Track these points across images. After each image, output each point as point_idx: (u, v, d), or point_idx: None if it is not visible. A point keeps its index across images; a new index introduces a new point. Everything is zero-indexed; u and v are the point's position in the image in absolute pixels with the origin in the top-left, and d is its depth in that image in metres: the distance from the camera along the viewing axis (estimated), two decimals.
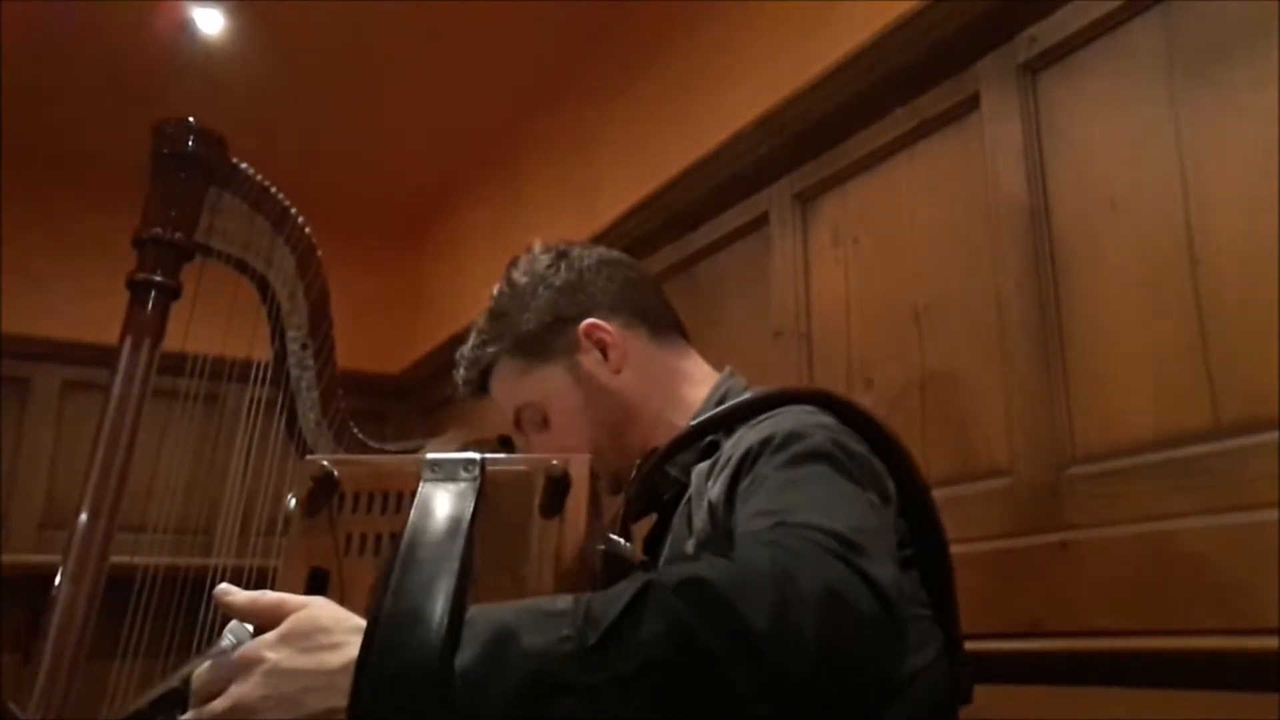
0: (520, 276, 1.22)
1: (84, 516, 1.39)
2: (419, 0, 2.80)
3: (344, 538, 0.81)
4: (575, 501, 0.80)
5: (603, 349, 1.17)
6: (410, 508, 0.76)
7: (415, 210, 4.10)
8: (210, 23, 2.94)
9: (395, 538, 0.76)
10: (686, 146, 2.34)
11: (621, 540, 0.87)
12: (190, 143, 1.52)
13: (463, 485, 0.77)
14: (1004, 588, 1.41)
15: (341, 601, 0.74)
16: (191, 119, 1.53)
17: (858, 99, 1.85)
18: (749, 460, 0.91)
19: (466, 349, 1.24)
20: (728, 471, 0.93)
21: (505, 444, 1.93)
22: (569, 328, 1.17)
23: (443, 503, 0.75)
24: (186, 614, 1.48)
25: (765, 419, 0.97)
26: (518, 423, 1.23)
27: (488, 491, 0.78)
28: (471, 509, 0.74)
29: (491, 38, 2.97)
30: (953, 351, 1.64)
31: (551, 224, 3.07)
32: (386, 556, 0.75)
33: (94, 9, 2.81)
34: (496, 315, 1.21)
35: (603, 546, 0.82)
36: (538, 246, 1.26)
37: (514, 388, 1.21)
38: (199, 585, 1.49)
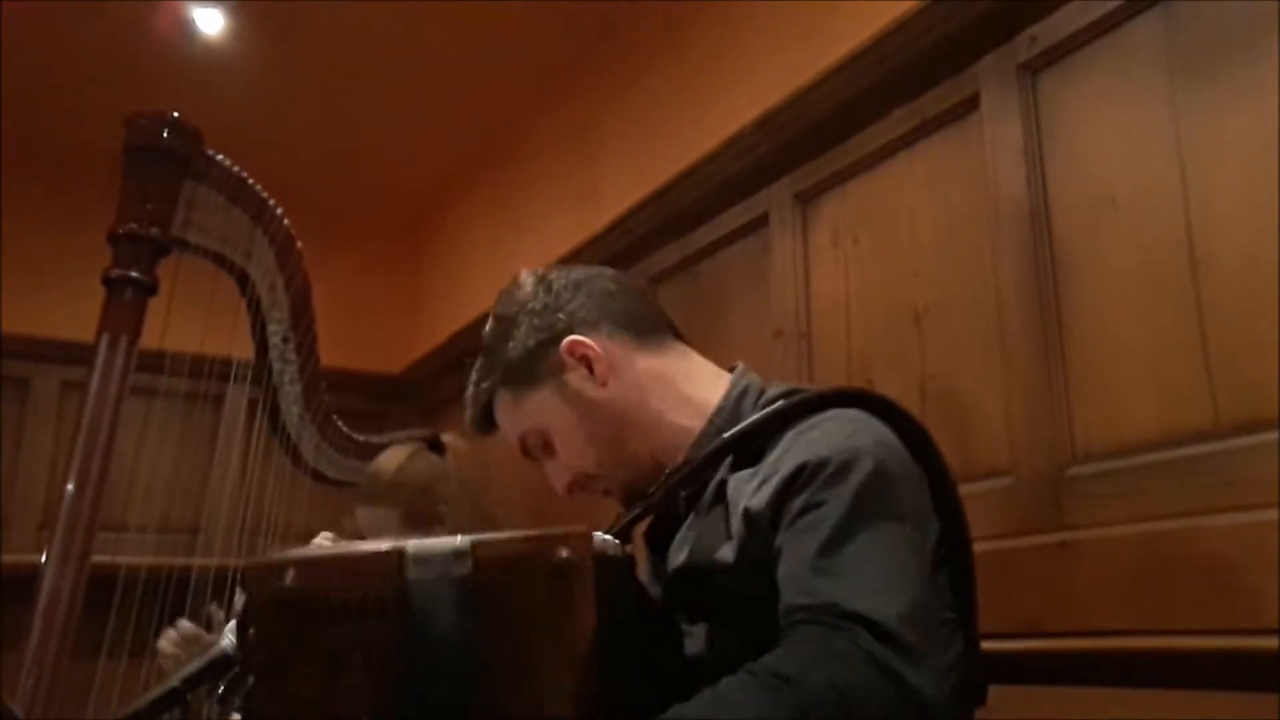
0: (505, 309, 1.23)
1: (64, 517, 1.37)
2: (419, 0, 2.80)
3: (327, 657, 0.71)
4: (581, 587, 0.74)
5: (588, 364, 1.16)
6: (395, 609, 0.70)
7: (415, 210, 4.10)
8: (210, 23, 2.94)
9: (385, 651, 0.70)
10: (686, 146, 2.34)
11: (612, 539, 0.85)
12: (164, 135, 1.49)
13: (458, 591, 0.71)
14: (1004, 588, 1.41)
15: None
16: (165, 112, 1.49)
17: (858, 99, 1.85)
18: (801, 480, 0.91)
19: (469, 391, 1.25)
20: (776, 483, 0.92)
21: (434, 446, 1.90)
22: (552, 350, 1.17)
23: (440, 624, 0.68)
24: (171, 613, 1.47)
25: (813, 426, 0.97)
26: (524, 451, 1.23)
27: (486, 587, 0.72)
28: (473, 623, 0.69)
29: (492, 37, 2.97)
30: (953, 351, 1.64)
31: (551, 224, 3.07)
32: (389, 705, 0.69)
33: (94, 9, 2.81)
34: (487, 351, 1.22)
35: (591, 548, 0.78)
36: (521, 275, 1.26)
37: (512, 418, 1.21)
38: (183, 584, 1.48)
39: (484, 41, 2.99)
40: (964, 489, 1.52)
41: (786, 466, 0.92)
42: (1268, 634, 1.10)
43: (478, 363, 1.24)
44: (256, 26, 2.97)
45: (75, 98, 3.27)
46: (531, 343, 1.18)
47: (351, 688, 0.71)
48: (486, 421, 1.24)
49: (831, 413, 0.99)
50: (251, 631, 0.73)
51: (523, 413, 1.19)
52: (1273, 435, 1.16)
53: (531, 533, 0.75)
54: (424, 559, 0.73)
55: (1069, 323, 1.44)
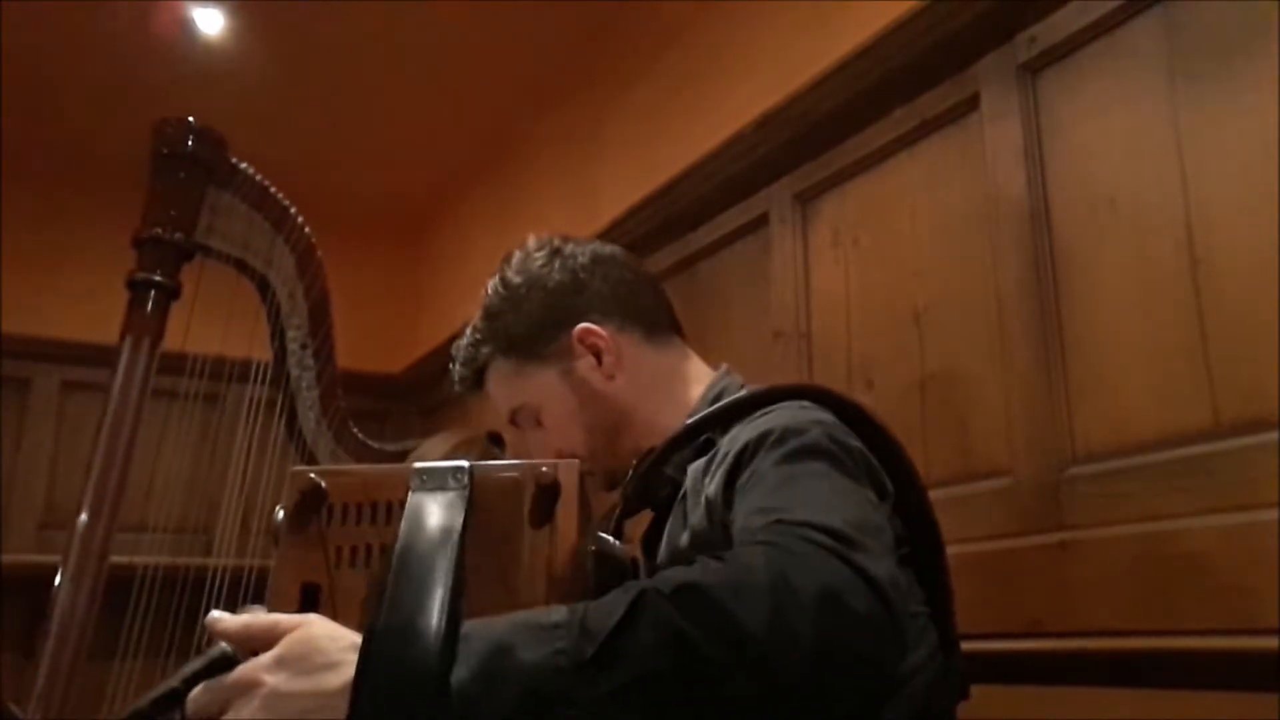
0: (514, 275, 1.20)
1: (84, 516, 1.38)
2: (419, 0, 2.80)
3: (334, 550, 0.80)
4: (565, 509, 0.79)
5: (596, 354, 1.16)
6: (400, 518, 0.75)
7: (415, 210, 4.10)
8: (210, 23, 2.94)
9: (386, 549, 0.75)
10: (686, 146, 2.34)
11: (612, 540, 0.86)
12: (190, 143, 1.52)
13: (452, 495, 0.76)
14: (1004, 588, 1.41)
15: (334, 615, 0.73)
16: (190, 119, 1.53)
17: (858, 99, 1.85)
18: (747, 455, 0.90)
19: (462, 345, 1.23)
20: (724, 467, 0.93)
21: (496, 441, 1.93)
22: (562, 332, 1.16)
23: (433, 513, 0.74)
24: (186, 614, 1.48)
25: (761, 415, 0.97)
26: (513, 421, 1.22)
27: (478, 500, 0.77)
28: (462, 519, 0.74)
29: (491, 38, 2.97)
30: (953, 351, 1.64)
31: (551, 224, 3.07)
32: (378, 571, 0.75)
33: (94, 9, 2.81)
34: (490, 315, 1.20)
35: (593, 546, 0.81)
36: (532, 242, 1.24)
37: (508, 389, 1.20)
38: (199, 585, 1.49)
39: (484, 42, 2.99)
40: (964, 489, 1.54)
41: (734, 451, 0.92)
42: (1267, 634, 1.10)
43: (474, 321, 1.22)
44: (256, 26, 2.97)
45: (75, 98, 3.27)
46: (542, 320, 1.16)
47: (352, 577, 0.79)
48: (474, 381, 1.23)
49: (783, 404, 0.99)
50: (280, 515, 0.81)
51: (521, 387, 1.18)
52: (1273, 435, 1.16)
53: (525, 461, 0.83)
54: (426, 473, 0.78)
55: (1069, 323, 1.45)
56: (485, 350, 1.20)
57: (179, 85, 3.08)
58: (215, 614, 0.76)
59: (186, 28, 2.94)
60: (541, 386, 1.17)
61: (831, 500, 0.81)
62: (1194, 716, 1.15)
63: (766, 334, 2.03)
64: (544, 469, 0.79)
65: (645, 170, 2.51)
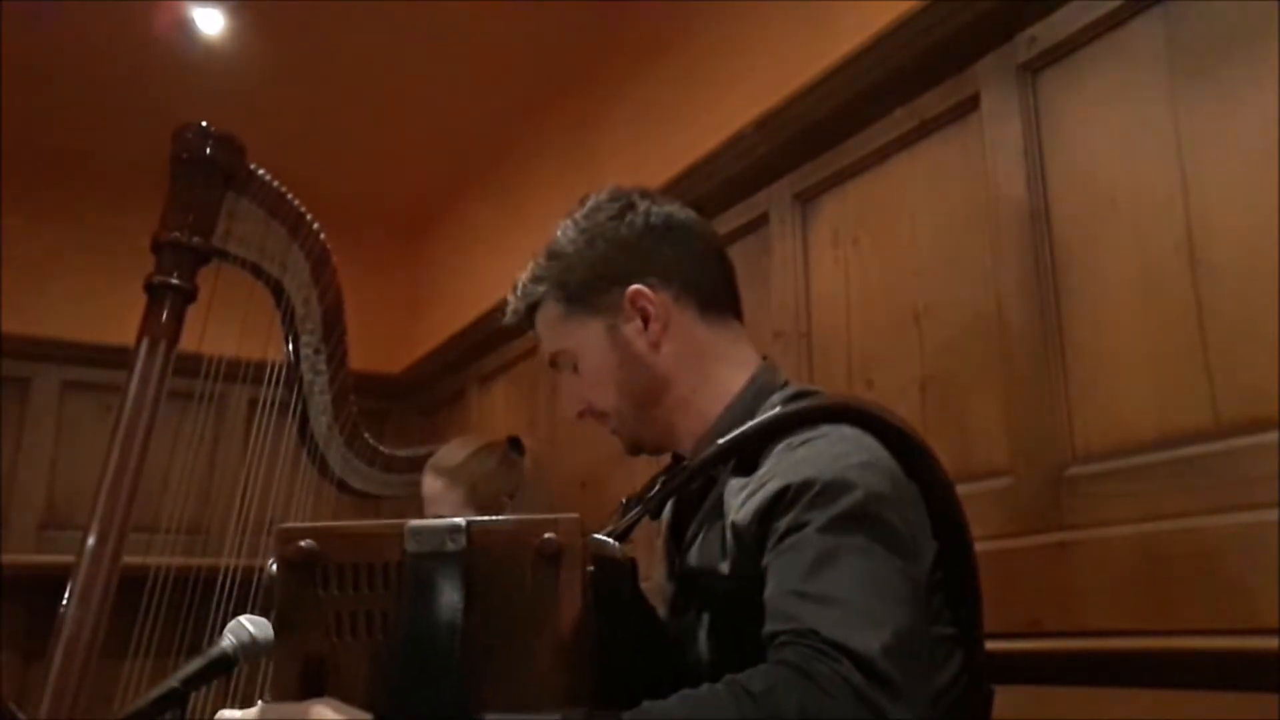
0: (583, 220, 1.19)
1: (98, 515, 1.39)
2: (419, 0, 2.80)
3: (332, 618, 0.77)
4: (569, 571, 0.77)
5: (644, 318, 1.14)
6: (396, 579, 0.75)
7: (415, 210, 4.10)
8: (210, 23, 2.94)
9: (387, 618, 0.75)
10: (686, 146, 2.34)
11: (611, 541, 0.85)
12: (209, 148, 1.54)
13: (451, 564, 0.75)
14: (1004, 588, 1.41)
15: (338, 686, 0.74)
16: (206, 123, 1.54)
17: (858, 99, 1.85)
18: (785, 500, 0.88)
19: (521, 280, 1.22)
20: (760, 500, 0.91)
21: (516, 446, 1.94)
22: (616, 288, 1.14)
23: (433, 592, 0.73)
24: (197, 613, 1.49)
25: (803, 443, 0.95)
26: (552, 362, 1.22)
27: (477, 563, 0.76)
28: (463, 596, 0.74)
29: (492, 37, 2.97)
30: (953, 351, 1.64)
31: (552, 224, 3.07)
32: (381, 646, 0.75)
33: (94, 9, 2.81)
34: (553, 255, 1.19)
35: (591, 559, 0.80)
36: (607, 191, 1.22)
37: (554, 331, 1.19)
38: (210, 585, 1.50)
39: (484, 42, 2.99)
40: (964, 489, 1.52)
41: (772, 485, 0.90)
42: (1268, 634, 1.10)
43: (540, 257, 1.21)
44: (256, 26, 2.97)
45: (75, 98, 3.27)
46: (599, 272, 1.15)
47: (355, 648, 0.76)
48: (525, 317, 1.22)
49: (824, 428, 0.96)
50: (273, 568, 0.79)
51: (566, 333, 1.17)
52: (1273, 435, 1.16)
53: (524, 517, 0.81)
54: (421, 533, 0.77)
55: (1069, 323, 1.45)
56: (540, 289, 1.19)
57: (179, 85, 3.08)
58: (224, 713, 0.77)
59: (186, 28, 2.94)
60: (586, 336, 1.16)
61: (872, 603, 0.81)
62: (1194, 716, 1.15)
63: (766, 334, 2.03)
64: (547, 535, 0.76)
65: (645, 170, 2.51)
